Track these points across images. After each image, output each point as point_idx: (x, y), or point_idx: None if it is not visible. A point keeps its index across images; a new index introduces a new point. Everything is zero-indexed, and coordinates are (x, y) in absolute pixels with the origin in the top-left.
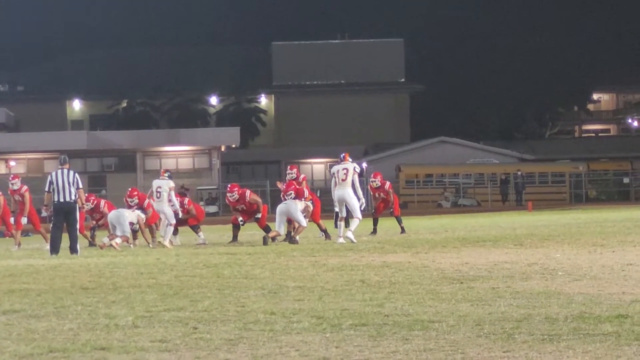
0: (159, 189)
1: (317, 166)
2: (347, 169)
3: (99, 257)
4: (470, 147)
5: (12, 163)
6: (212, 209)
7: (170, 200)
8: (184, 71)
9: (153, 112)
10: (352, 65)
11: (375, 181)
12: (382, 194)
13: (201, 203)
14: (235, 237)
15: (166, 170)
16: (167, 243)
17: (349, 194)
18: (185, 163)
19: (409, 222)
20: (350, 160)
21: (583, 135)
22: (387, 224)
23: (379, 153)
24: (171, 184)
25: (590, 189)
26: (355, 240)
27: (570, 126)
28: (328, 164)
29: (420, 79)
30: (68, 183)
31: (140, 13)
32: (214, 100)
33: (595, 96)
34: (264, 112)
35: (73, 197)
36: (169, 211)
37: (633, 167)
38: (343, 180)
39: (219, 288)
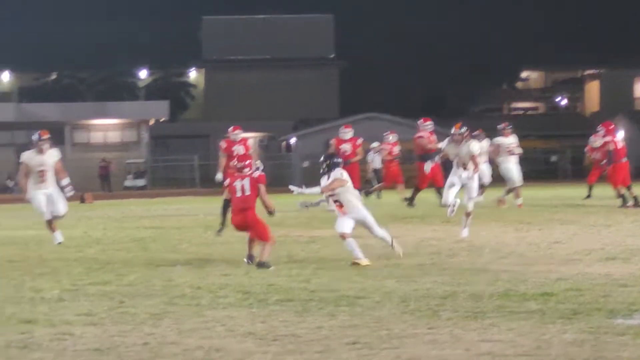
0: None
1: None
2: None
3: (25, 229)
4: (397, 122)
5: None
6: (140, 182)
7: None
8: (115, 45)
9: (80, 85)
10: (282, 40)
11: (596, 141)
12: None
13: (129, 176)
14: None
15: None
16: None
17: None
18: (114, 136)
19: None
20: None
21: (512, 113)
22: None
23: (307, 128)
24: None
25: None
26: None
27: (498, 103)
28: (257, 138)
29: (349, 55)
30: None
31: None
32: (143, 73)
33: (524, 74)
34: (194, 86)
35: None
36: None
37: (561, 146)
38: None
39: (145, 262)
